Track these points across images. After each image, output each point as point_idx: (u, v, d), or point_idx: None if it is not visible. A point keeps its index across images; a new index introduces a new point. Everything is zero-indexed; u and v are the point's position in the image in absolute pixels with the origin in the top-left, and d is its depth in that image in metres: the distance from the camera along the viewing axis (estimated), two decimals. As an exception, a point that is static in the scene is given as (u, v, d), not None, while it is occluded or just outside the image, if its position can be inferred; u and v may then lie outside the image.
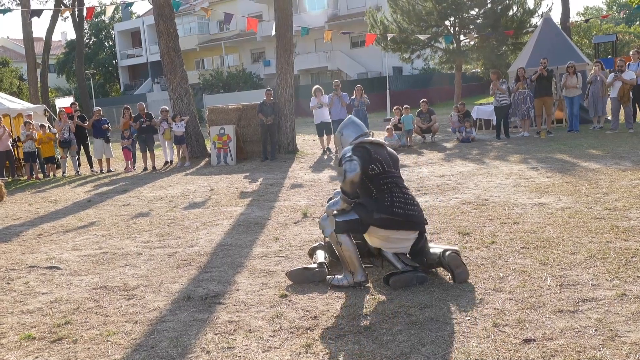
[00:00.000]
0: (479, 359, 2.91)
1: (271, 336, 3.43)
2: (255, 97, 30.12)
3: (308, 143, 16.05)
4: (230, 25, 42.14)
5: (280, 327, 3.55)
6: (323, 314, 3.73)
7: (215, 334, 3.52)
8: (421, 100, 14.97)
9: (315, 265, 4.50)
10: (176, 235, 6.49)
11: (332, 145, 13.40)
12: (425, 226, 4.43)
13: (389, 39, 24.73)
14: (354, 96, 13.88)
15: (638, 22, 55.18)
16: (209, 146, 14.53)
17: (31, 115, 14.16)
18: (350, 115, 5.05)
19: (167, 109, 14.28)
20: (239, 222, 6.90)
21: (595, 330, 3.13)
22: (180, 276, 4.86)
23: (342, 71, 39.20)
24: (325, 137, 13.72)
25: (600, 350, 2.88)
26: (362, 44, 36.22)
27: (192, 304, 4.10)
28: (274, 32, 14.49)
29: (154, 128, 13.77)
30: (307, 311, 3.80)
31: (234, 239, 6.08)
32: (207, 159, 14.13)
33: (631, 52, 13.94)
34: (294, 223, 6.59)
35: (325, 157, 13.13)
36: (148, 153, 13.57)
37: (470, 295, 3.86)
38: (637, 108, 13.38)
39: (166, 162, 14.10)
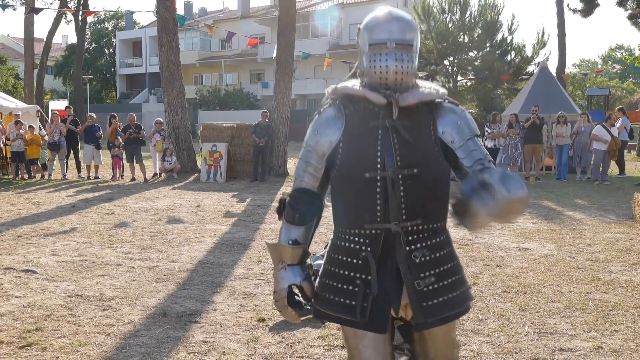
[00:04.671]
0: (452, 401, 2.89)
1: (246, 359, 3.39)
2: (250, 117, 30.22)
3: (298, 167, 16.11)
4: (232, 44, 42.65)
5: (255, 352, 3.51)
6: (299, 342, 3.69)
7: (188, 354, 3.47)
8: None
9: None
10: (158, 248, 6.43)
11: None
12: None
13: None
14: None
15: (631, 79, 56.42)
16: (199, 162, 14.50)
17: (19, 114, 14.04)
18: None
19: (162, 120, 14.29)
20: (223, 241, 6.85)
21: (570, 381, 3.13)
22: (158, 291, 4.80)
23: (338, 99, 39.54)
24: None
25: (573, 402, 2.87)
26: (362, 74, 36.58)
27: (167, 321, 4.05)
28: (274, 55, 14.62)
29: (142, 140, 13.76)
30: (283, 337, 3.77)
31: (216, 257, 6.03)
32: (196, 174, 14.09)
33: (615, 109, 14.27)
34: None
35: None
36: (137, 164, 13.51)
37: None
38: (623, 162, 13.65)
39: (155, 174, 14.04)
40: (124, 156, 13.74)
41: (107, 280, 5.13)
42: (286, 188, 12.18)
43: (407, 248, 1.87)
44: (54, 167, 14.10)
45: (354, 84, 1.97)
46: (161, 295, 4.67)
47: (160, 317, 4.12)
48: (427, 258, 1.89)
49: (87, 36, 48.49)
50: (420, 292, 1.87)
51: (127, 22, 53.90)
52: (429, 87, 1.94)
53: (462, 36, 25.61)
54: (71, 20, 38.45)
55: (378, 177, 1.85)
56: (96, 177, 13.80)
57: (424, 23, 25.53)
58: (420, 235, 1.90)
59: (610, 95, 33.98)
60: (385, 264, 1.89)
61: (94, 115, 15.01)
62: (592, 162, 13.87)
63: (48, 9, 32.54)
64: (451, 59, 25.87)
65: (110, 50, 55.26)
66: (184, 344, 3.62)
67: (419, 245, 1.89)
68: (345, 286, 1.92)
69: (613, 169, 14.17)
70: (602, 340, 3.75)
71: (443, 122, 1.94)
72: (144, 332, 3.82)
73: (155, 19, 16.39)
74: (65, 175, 13.90)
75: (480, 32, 25.59)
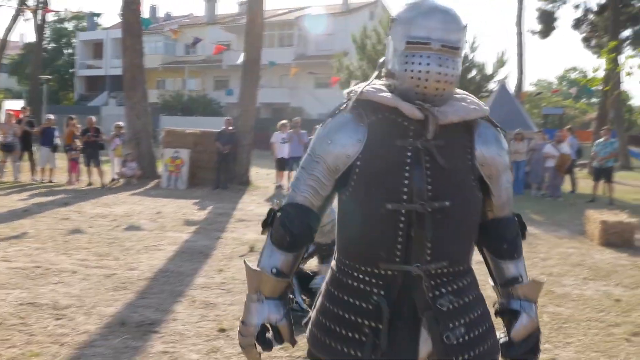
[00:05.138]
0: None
1: (205, 371, 3.34)
2: (213, 123, 29.89)
3: (261, 176, 16.01)
4: (197, 50, 42.33)
5: (216, 363, 3.47)
6: (261, 353, 3.66)
7: (146, 364, 3.40)
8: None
9: None
10: (116, 256, 6.29)
11: (285, 182, 13.44)
12: None
13: (353, 84, 25.35)
14: (312, 135, 14.01)
15: (584, 99, 58.52)
16: (159, 167, 14.26)
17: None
18: None
19: (122, 124, 14.02)
20: (183, 250, 6.75)
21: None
22: (115, 299, 4.69)
23: (303, 109, 39.62)
24: (282, 172, 13.75)
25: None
26: (326, 85, 36.98)
27: (125, 330, 3.96)
28: (240, 60, 14.55)
29: (101, 144, 13.45)
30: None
31: (176, 266, 5.93)
32: (156, 180, 13.84)
33: (565, 129, 14.86)
34: (240, 256, 6.50)
35: (284, 191, 13.12)
36: (95, 168, 13.19)
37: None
38: (574, 179, 14.22)
39: (113, 179, 13.74)
40: (81, 160, 13.40)
41: (62, 288, 4.98)
42: (248, 197, 12.11)
43: (431, 294, 1.55)
44: (5, 170, 13.61)
45: (381, 88, 1.61)
46: (119, 304, 4.56)
47: (117, 327, 4.02)
48: (455, 305, 1.57)
49: (46, 35, 47.26)
50: (450, 347, 1.54)
51: (89, 23, 52.78)
52: (471, 101, 1.61)
53: (425, 51, 26.07)
54: (29, 18, 37.48)
55: (403, 211, 1.51)
56: (50, 181, 13.40)
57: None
58: (445, 279, 1.58)
59: (565, 115, 35.22)
60: (400, 312, 1.56)
61: (52, 117, 14.56)
62: (545, 179, 14.32)
63: (5, 6, 31.61)
64: (414, 73, 26.30)
65: (70, 50, 53.94)
66: (142, 355, 3.55)
67: (443, 290, 1.57)
68: (350, 334, 1.59)
69: (567, 185, 14.62)
70: (555, 352, 3.86)
71: (483, 146, 1.62)
72: (101, 342, 3.73)
73: (118, 20, 16.14)
74: (17, 178, 13.44)
75: (443, 48, 26.10)
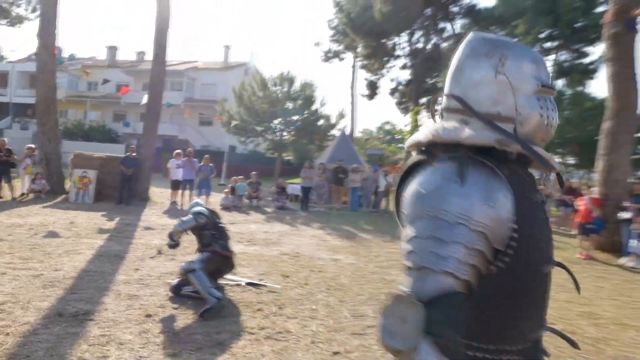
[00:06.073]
0: (304, 366, 3.13)
1: (141, 347, 3.24)
2: (111, 149, 27.66)
3: (157, 194, 15.20)
4: (99, 87, 38.97)
5: (148, 341, 3.37)
6: (183, 332, 3.63)
7: (89, 345, 3.20)
8: (252, 173, 15.38)
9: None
10: (39, 259, 5.66)
11: (178, 200, 12.96)
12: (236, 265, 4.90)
13: (232, 124, 25.22)
14: (202, 163, 13.74)
15: (393, 145, 63.86)
16: (67, 185, 12.92)
17: None
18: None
19: (33, 147, 12.53)
20: (100, 253, 6.27)
21: (378, 347, 3.58)
22: (48, 295, 4.27)
23: (189, 141, 38.26)
24: (177, 192, 13.23)
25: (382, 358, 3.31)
26: (209, 123, 36.12)
27: (63, 320, 3.66)
28: (143, 101, 13.84)
29: (12, 163, 11.92)
30: (169, 328, 3.67)
31: (97, 266, 5.51)
32: (64, 195, 12.50)
33: (387, 167, 16.44)
34: (151, 257, 6.22)
35: (178, 207, 12.59)
36: (6, 184, 11.58)
37: (293, 320, 4.10)
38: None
39: (22, 194, 12.14)
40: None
41: (-6, 287, 4.41)
42: (149, 210, 11.47)
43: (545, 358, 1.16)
44: None
45: (487, 134, 1.06)
46: (52, 299, 4.17)
47: (56, 318, 3.70)
48: None
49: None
50: None
51: (-5, 56, 46.02)
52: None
53: (288, 104, 26.89)
54: None
55: (550, 271, 1.12)
56: (-40, 194, 11.48)
57: (261, 91, 26.29)
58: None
59: (383, 155, 38.19)
60: None
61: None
62: (372, 200, 15.54)
63: None
64: (280, 119, 26.92)
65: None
66: (83, 338, 3.32)
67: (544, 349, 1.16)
68: None
69: (388, 204, 15.95)
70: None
71: None
72: (43, 331, 3.41)
73: (24, 56, 14.44)
74: None
75: (301, 102, 27.12)
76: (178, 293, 4.47)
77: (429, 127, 1.14)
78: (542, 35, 30.92)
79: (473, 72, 1.14)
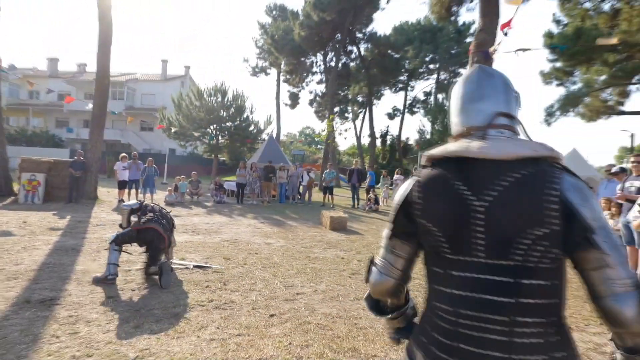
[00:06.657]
0: (247, 326, 3.37)
1: (107, 323, 3.26)
2: (57, 154, 25.17)
3: (104, 193, 14.22)
4: (41, 96, 35.12)
5: (113, 318, 3.39)
6: (143, 308, 3.67)
7: (60, 325, 3.16)
8: (193, 172, 15.01)
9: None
10: (-4, 256, 5.23)
11: (125, 198, 12.30)
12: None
13: (172, 130, 24.15)
14: (147, 164, 13.14)
15: (313, 146, 64.86)
16: (16, 188, 11.67)
17: None
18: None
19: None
20: (57, 248, 5.89)
21: (305, 308, 3.91)
22: (12, 286, 4.04)
23: (131, 145, 35.82)
24: (124, 191, 12.52)
25: (310, 320, 3.63)
26: (150, 128, 34.14)
27: (32, 306, 3.53)
28: (88, 108, 12.86)
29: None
30: (130, 306, 3.69)
31: (56, 259, 5.22)
32: (12, 197, 11.28)
33: (310, 164, 16.82)
34: (105, 249, 5.99)
35: (124, 205, 11.91)
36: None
37: (236, 293, 4.28)
38: (311, 193, 16.07)
39: (-34, 197, 10.79)
40: None
41: (-46, 283, 4.06)
42: (98, 208, 10.77)
43: None
44: None
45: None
46: (17, 289, 3.95)
47: (24, 304, 3.55)
48: None
49: None
50: None
51: None
52: None
53: (222, 112, 26.30)
54: None
55: None
56: None
57: (198, 101, 25.43)
58: None
59: (305, 154, 38.76)
60: None
61: None
62: (299, 193, 15.86)
63: None
64: (215, 126, 26.25)
65: None
66: (54, 319, 3.26)
67: None
68: None
69: (315, 198, 16.36)
70: (316, 287, 4.65)
71: None
72: (14, 316, 3.28)
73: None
74: None
75: (233, 110, 26.66)
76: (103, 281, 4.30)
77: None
78: (427, 59, 33.40)
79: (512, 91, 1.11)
